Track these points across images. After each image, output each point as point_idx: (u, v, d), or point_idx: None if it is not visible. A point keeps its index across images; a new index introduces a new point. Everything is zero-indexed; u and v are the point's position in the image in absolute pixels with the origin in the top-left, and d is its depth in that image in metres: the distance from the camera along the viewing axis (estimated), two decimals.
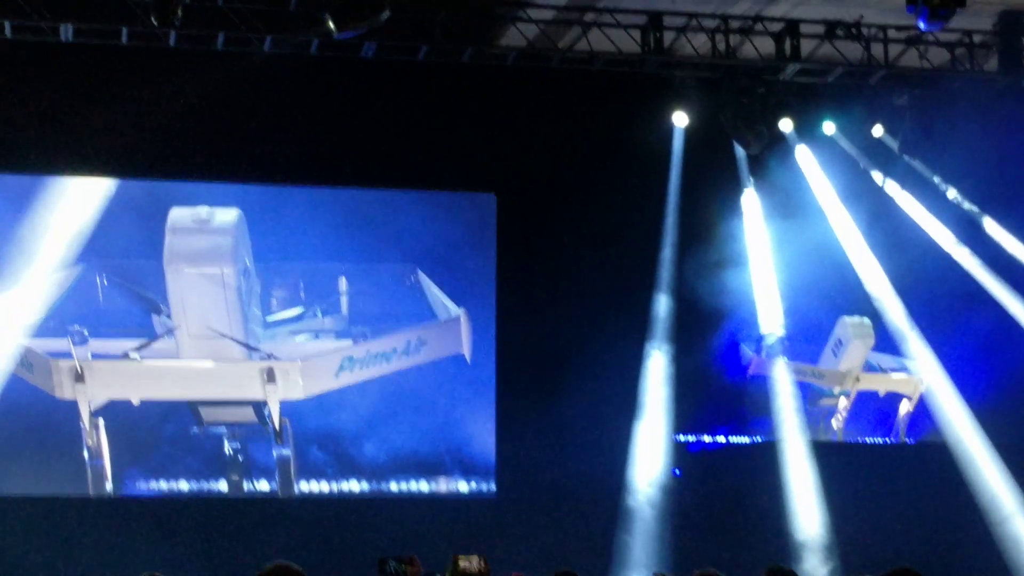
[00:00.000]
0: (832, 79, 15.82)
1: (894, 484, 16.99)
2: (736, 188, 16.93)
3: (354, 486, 15.93)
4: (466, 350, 16.21)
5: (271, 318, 15.88)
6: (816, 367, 17.67)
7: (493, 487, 16.26)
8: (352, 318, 16.12)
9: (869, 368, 17.74)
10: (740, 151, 16.52)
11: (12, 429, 15.01)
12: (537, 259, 16.42)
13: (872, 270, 17.14)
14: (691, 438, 17.07)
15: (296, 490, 15.76)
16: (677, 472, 16.70)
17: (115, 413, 15.23)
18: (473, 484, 16.22)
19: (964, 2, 13.16)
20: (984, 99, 15.90)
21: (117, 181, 15.38)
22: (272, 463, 15.69)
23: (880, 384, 17.83)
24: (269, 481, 15.73)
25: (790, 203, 16.70)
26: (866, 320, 17.55)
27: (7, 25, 13.48)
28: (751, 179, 16.88)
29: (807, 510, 16.68)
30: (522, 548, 15.16)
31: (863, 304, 17.39)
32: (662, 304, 16.72)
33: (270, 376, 15.39)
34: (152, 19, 12.76)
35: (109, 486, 15.26)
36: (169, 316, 15.34)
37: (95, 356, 15.15)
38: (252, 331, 15.55)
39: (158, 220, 15.23)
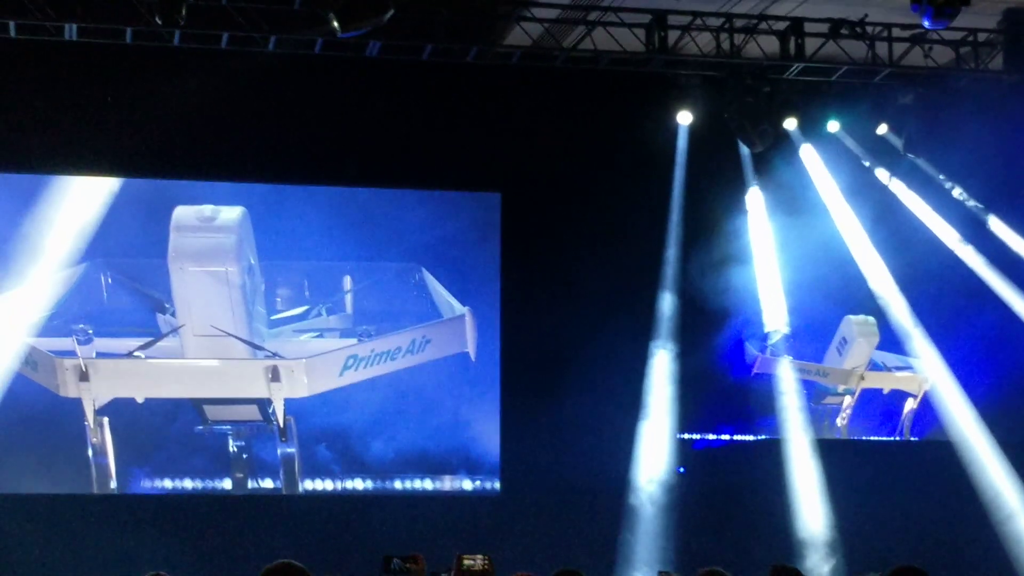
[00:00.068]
0: (836, 78, 15.80)
1: (899, 482, 16.99)
2: (740, 187, 16.92)
3: (358, 484, 15.94)
4: (471, 348, 16.21)
5: (275, 316, 15.89)
6: (821, 365, 17.66)
7: (497, 485, 16.26)
8: (356, 317, 16.12)
9: (874, 366, 17.72)
10: (745, 150, 16.50)
11: (17, 427, 15.01)
12: (542, 258, 16.42)
13: (877, 268, 17.14)
14: (695, 436, 17.07)
15: (300, 488, 15.78)
16: (681, 470, 16.71)
17: (120, 411, 15.24)
18: (478, 482, 16.23)
19: (968, 0, 13.18)
20: (989, 97, 15.90)
21: (121, 180, 15.38)
22: (276, 461, 15.70)
23: (884, 382, 17.82)
24: (273, 479, 15.74)
25: (795, 202, 16.70)
26: (871, 319, 17.54)
27: (11, 25, 13.48)
28: (756, 178, 16.88)
29: (811, 508, 16.68)
30: (526, 546, 15.20)
31: (868, 302, 17.39)
32: (667, 303, 16.72)
33: (274, 374, 15.40)
34: (156, 19, 12.77)
35: (113, 484, 15.28)
36: (174, 315, 15.35)
37: (100, 355, 15.16)
38: (256, 330, 15.56)
39: (162, 219, 15.22)
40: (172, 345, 15.39)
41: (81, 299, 15.31)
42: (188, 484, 15.52)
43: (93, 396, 15.05)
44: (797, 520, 16.59)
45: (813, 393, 17.55)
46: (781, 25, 15.24)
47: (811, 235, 16.74)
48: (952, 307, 17.10)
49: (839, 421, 17.71)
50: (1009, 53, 15.75)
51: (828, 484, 16.70)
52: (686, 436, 16.89)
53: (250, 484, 15.70)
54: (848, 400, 17.71)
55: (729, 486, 16.59)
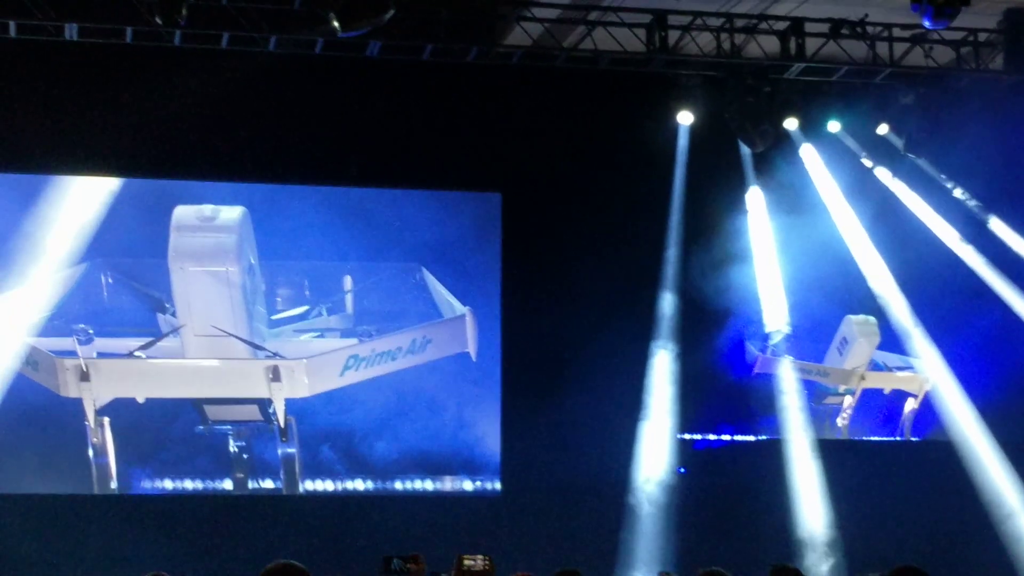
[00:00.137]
0: (837, 78, 15.80)
1: (899, 482, 16.99)
2: (741, 187, 16.93)
3: (359, 485, 15.94)
4: (471, 348, 16.21)
5: (276, 316, 15.90)
6: (821, 365, 17.66)
7: (498, 486, 16.26)
8: (357, 317, 16.13)
9: (874, 366, 17.73)
10: (745, 150, 16.50)
11: (18, 427, 15.02)
12: (542, 258, 16.42)
13: (877, 268, 17.15)
14: (696, 436, 17.07)
15: (301, 488, 15.78)
16: (682, 470, 16.70)
17: (120, 412, 15.24)
18: (478, 483, 16.23)
19: (968, 1, 13.18)
20: (989, 97, 15.90)
21: (121, 180, 15.38)
22: (277, 461, 15.70)
23: (885, 382, 17.82)
24: (274, 479, 15.74)
25: (795, 202, 16.71)
26: (871, 318, 17.54)
27: (12, 25, 13.49)
28: (756, 178, 16.88)
29: (812, 508, 16.69)
30: (527, 547, 15.20)
31: (868, 302, 17.39)
32: (667, 303, 16.73)
33: (275, 374, 15.40)
34: (156, 19, 12.76)
35: (114, 484, 15.28)
36: (174, 314, 15.36)
37: (100, 355, 15.17)
38: (257, 329, 15.56)
39: (163, 218, 15.23)
40: (172, 345, 15.39)
41: (82, 299, 15.32)
42: (188, 484, 15.52)
43: (94, 396, 15.06)
44: (797, 520, 16.60)
45: (814, 393, 17.56)
46: (781, 25, 15.24)
47: (812, 235, 16.75)
48: (952, 307, 17.09)
49: (840, 421, 17.72)
50: (1009, 53, 15.74)
51: (828, 484, 16.70)
52: (686, 436, 16.89)
53: (250, 484, 15.71)
54: (849, 400, 17.71)
55: (729, 486, 16.58)
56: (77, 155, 15.07)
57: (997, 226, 17.16)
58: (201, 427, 15.56)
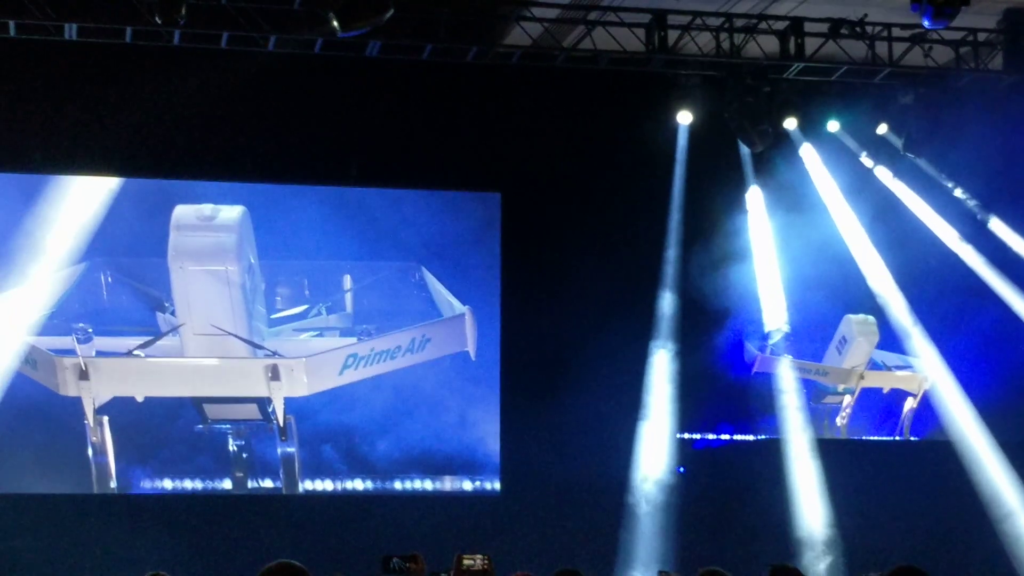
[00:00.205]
0: (836, 78, 15.81)
1: (898, 481, 16.99)
2: (740, 186, 16.92)
3: (358, 484, 15.95)
4: (471, 348, 16.22)
5: (275, 315, 15.90)
6: (820, 364, 17.67)
7: (497, 485, 16.27)
8: (356, 316, 16.13)
9: (873, 365, 17.74)
10: (745, 149, 16.50)
11: (17, 426, 15.02)
12: (542, 257, 16.43)
13: (876, 268, 17.15)
14: (695, 436, 17.07)
15: (300, 488, 15.78)
16: (681, 470, 16.71)
17: (120, 411, 15.25)
18: (478, 482, 16.23)
19: (968, 0, 13.19)
20: (989, 97, 15.90)
21: (121, 179, 15.38)
22: (276, 461, 15.70)
23: (884, 381, 17.83)
24: (273, 479, 15.75)
25: (795, 201, 16.70)
26: (870, 318, 17.55)
27: (11, 24, 13.48)
28: (756, 177, 16.88)
29: (811, 508, 16.68)
30: (526, 546, 15.20)
31: (867, 302, 17.40)
32: (667, 302, 16.74)
33: (274, 373, 15.41)
34: (156, 18, 12.76)
35: (113, 484, 15.28)
36: (173, 313, 15.36)
37: (99, 353, 15.17)
38: (256, 329, 15.56)
39: (162, 218, 15.23)
40: (172, 344, 15.40)
41: (81, 298, 15.32)
42: (188, 484, 15.52)
43: (93, 395, 15.06)
44: (797, 520, 16.60)
45: (813, 392, 17.57)
46: (781, 25, 15.24)
47: (811, 235, 16.75)
48: (952, 306, 17.12)
49: (839, 420, 17.72)
50: (1009, 53, 15.75)
51: (828, 484, 16.70)
52: (686, 436, 16.89)
53: (250, 484, 15.71)
54: (848, 399, 17.72)
55: (728, 486, 16.59)
56: (77, 155, 15.07)
57: (997, 226, 17.16)
58: (200, 426, 15.56)
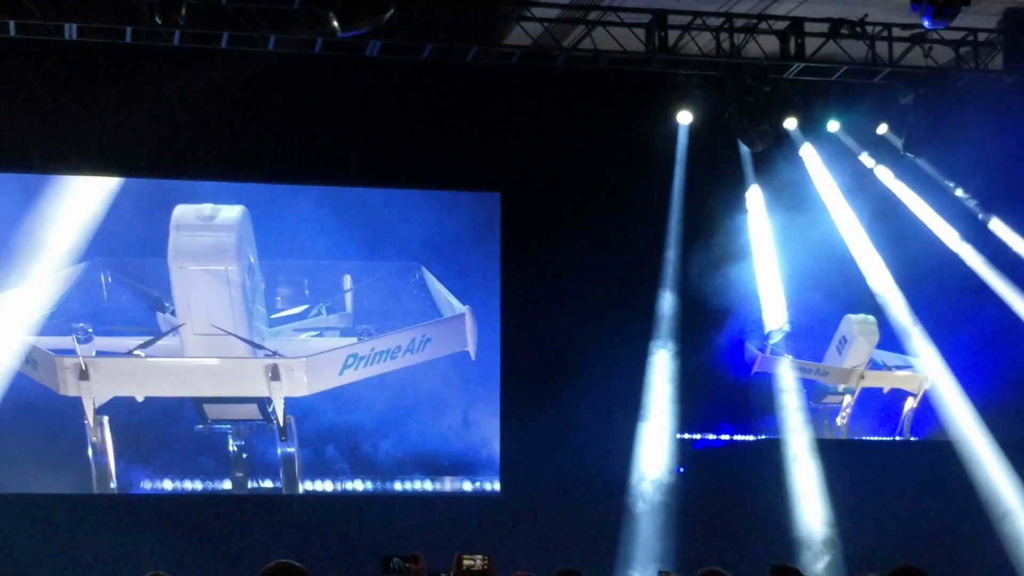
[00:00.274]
0: (836, 78, 15.80)
1: (898, 481, 16.99)
2: (740, 186, 16.92)
3: (358, 485, 15.95)
4: (471, 348, 16.22)
5: (275, 315, 15.90)
6: (820, 364, 17.66)
7: (497, 485, 16.27)
8: (357, 316, 16.13)
9: (873, 365, 17.73)
10: (745, 149, 16.48)
11: (17, 426, 15.02)
12: (542, 257, 16.43)
13: (877, 268, 17.15)
14: (695, 436, 17.07)
15: (300, 488, 15.78)
16: (681, 470, 16.71)
17: (120, 411, 15.25)
18: (478, 483, 16.23)
19: (968, 0, 13.19)
20: (989, 97, 15.89)
21: (121, 179, 15.38)
22: (276, 461, 15.70)
23: (884, 381, 17.82)
24: (273, 480, 15.75)
25: (795, 201, 16.70)
26: (871, 318, 17.55)
27: (11, 24, 13.48)
28: (756, 177, 16.88)
29: (811, 508, 16.68)
30: (526, 546, 15.19)
31: (868, 301, 17.40)
32: (667, 302, 16.73)
33: (274, 373, 15.40)
34: (156, 18, 12.75)
35: (113, 484, 15.28)
36: (173, 313, 15.35)
37: (99, 353, 15.17)
38: (256, 328, 15.56)
39: (162, 218, 15.23)
40: (172, 344, 15.39)
41: (81, 298, 15.32)
42: (188, 484, 15.52)
43: (93, 395, 15.06)
44: (797, 520, 16.60)
45: (813, 392, 17.56)
46: (781, 25, 15.24)
47: (811, 234, 16.75)
48: (952, 306, 17.10)
49: (839, 420, 17.72)
50: (1009, 53, 15.74)
51: (828, 484, 16.70)
52: (686, 436, 16.89)
53: (250, 484, 15.71)
54: (848, 399, 17.72)
55: (728, 486, 16.59)
56: (77, 155, 15.07)
57: (997, 226, 17.16)
58: (200, 426, 15.55)
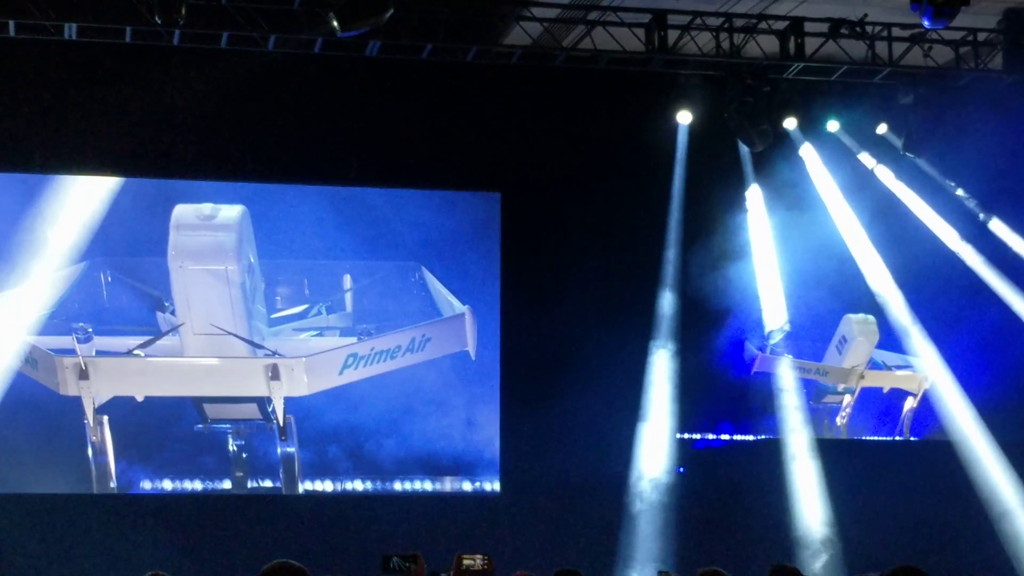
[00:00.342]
0: (836, 77, 15.81)
1: (898, 481, 16.97)
2: (740, 186, 16.92)
3: (358, 484, 15.95)
4: (471, 347, 16.22)
5: (275, 315, 15.90)
6: (820, 364, 17.66)
7: (497, 485, 16.26)
8: (357, 315, 16.13)
9: (873, 365, 17.73)
10: (744, 149, 16.50)
11: (17, 426, 15.02)
12: (542, 257, 16.43)
13: (877, 268, 17.15)
14: (695, 436, 17.07)
15: (300, 488, 15.78)
16: (681, 470, 16.70)
17: (120, 411, 15.25)
18: (477, 483, 16.23)
19: (968, 0, 13.19)
20: (989, 97, 15.88)
21: (122, 179, 15.38)
22: (276, 461, 15.70)
23: (884, 381, 17.82)
24: (273, 479, 15.75)
25: (795, 201, 16.70)
26: (870, 317, 17.55)
27: (11, 24, 13.49)
28: (755, 177, 16.88)
29: (811, 507, 16.68)
30: (526, 546, 15.22)
31: (867, 301, 17.39)
32: (667, 302, 16.73)
33: (274, 373, 15.40)
34: (156, 18, 12.76)
35: (113, 484, 15.28)
36: (173, 313, 15.35)
37: (99, 353, 15.17)
38: (256, 328, 15.56)
39: (162, 217, 15.23)
40: (172, 343, 15.39)
41: (81, 297, 15.33)
42: (188, 484, 15.52)
43: (93, 394, 15.06)
44: (797, 520, 16.60)
45: (813, 392, 17.56)
46: (781, 25, 15.24)
47: (811, 234, 16.75)
48: (952, 306, 17.11)
49: (839, 420, 17.72)
50: (1009, 53, 15.74)
51: (828, 483, 16.70)
52: (686, 436, 16.89)
53: (250, 484, 15.70)
54: (848, 399, 17.72)
55: (729, 486, 16.59)
56: (77, 155, 15.08)
57: (997, 226, 17.17)
58: (200, 426, 15.55)
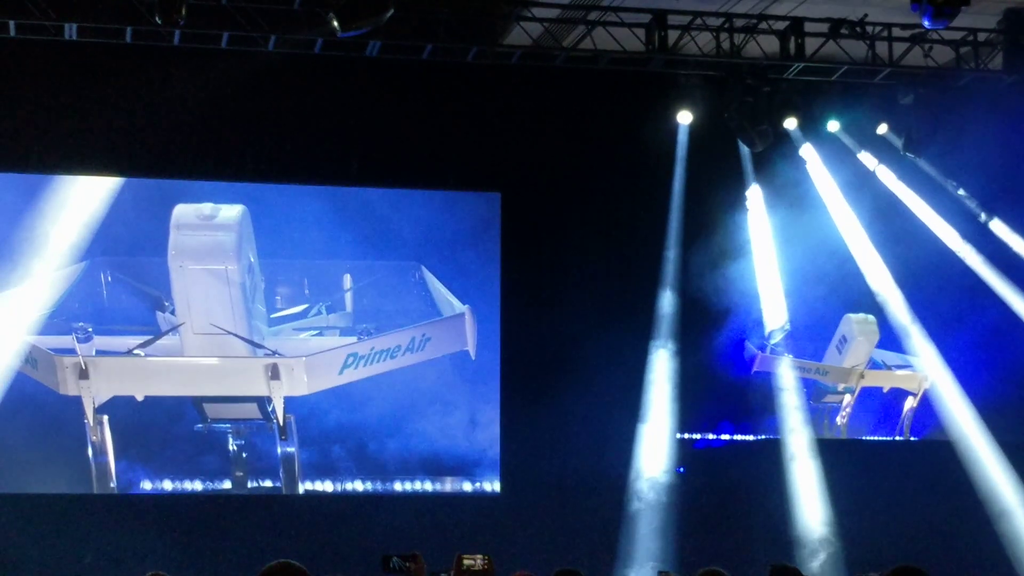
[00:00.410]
0: (836, 78, 15.81)
1: (898, 481, 16.99)
2: (740, 186, 16.92)
3: (358, 485, 15.95)
4: (471, 347, 16.22)
5: (275, 315, 15.90)
6: (820, 364, 17.66)
7: (497, 485, 16.26)
8: (356, 315, 16.13)
9: (873, 365, 17.73)
10: (745, 149, 16.51)
11: (17, 426, 15.02)
12: (542, 257, 16.44)
13: (877, 267, 17.15)
14: (695, 436, 17.07)
15: (300, 488, 15.78)
16: (681, 470, 16.70)
17: (120, 410, 15.25)
18: (477, 483, 16.23)
19: (968, 0, 13.19)
20: (989, 97, 15.89)
21: (122, 179, 15.38)
22: (277, 461, 15.70)
23: (884, 381, 17.82)
24: (273, 479, 15.75)
25: (795, 201, 16.70)
26: (870, 317, 17.55)
27: (11, 24, 13.49)
28: (756, 177, 16.88)
29: (811, 507, 16.68)
30: (526, 546, 15.21)
31: (867, 301, 17.40)
32: (667, 301, 16.74)
33: (274, 372, 15.41)
34: (156, 18, 12.77)
35: (113, 484, 15.28)
36: (173, 313, 15.36)
37: (99, 352, 15.18)
38: (256, 328, 15.56)
39: (163, 217, 15.23)
40: (172, 343, 15.40)
41: (81, 297, 15.33)
42: (188, 484, 15.52)
43: (93, 394, 15.06)
44: (797, 520, 16.60)
45: (813, 391, 17.56)
46: (781, 25, 15.24)
47: (811, 234, 16.76)
48: (952, 306, 17.11)
49: (839, 420, 17.72)
50: (1009, 53, 15.74)
51: (828, 483, 16.70)
52: (686, 436, 16.89)
53: (250, 484, 15.70)
54: (848, 399, 17.72)
55: (728, 485, 16.59)
56: (77, 155, 15.08)
57: (997, 225, 17.17)
58: (200, 425, 15.55)
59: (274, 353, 15.50)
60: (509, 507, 16.17)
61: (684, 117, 16.30)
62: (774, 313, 17.20)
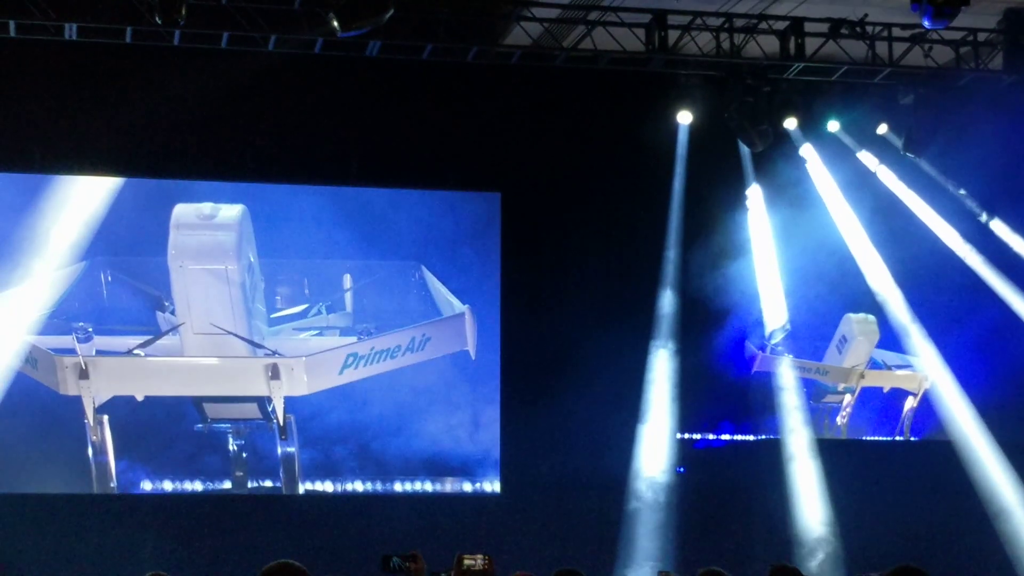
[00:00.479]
0: (836, 78, 15.79)
1: (898, 481, 16.98)
2: (741, 186, 16.92)
3: (358, 485, 15.95)
4: (471, 347, 16.22)
5: (275, 315, 15.90)
6: (820, 363, 17.66)
7: (497, 485, 16.26)
8: (356, 315, 16.13)
9: (874, 365, 17.73)
10: (745, 149, 16.50)
11: (17, 426, 15.02)
12: (542, 257, 16.45)
13: (877, 267, 17.15)
14: (696, 436, 17.07)
15: (301, 488, 15.78)
16: (681, 470, 16.70)
17: (120, 410, 15.25)
18: (478, 483, 16.23)
19: (968, 0, 13.19)
20: (989, 97, 15.88)
21: (122, 179, 15.38)
22: (277, 461, 15.70)
23: (884, 381, 17.82)
24: (273, 479, 15.75)
25: (795, 201, 16.70)
26: (871, 317, 17.55)
27: (11, 24, 13.48)
28: (756, 177, 16.88)
29: (811, 507, 16.68)
30: (526, 546, 15.21)
31: (867, 301, 17.40)
32: (667, 301, 16.73)
33: (274, 372, 15.41)
34: (156, 18, 12.76)
35: (113, 484, 15.28)
36: (173, 312, 15.36)
37: (99, 352, 15.17)
38: (256, 328, 15.57)
39: (162, 216, 15.23)
40: (172, 343, 15.40)
41: (81, 297, 15.33)
42: (188, 484, 15.52)
43: (93, 394, 15.06)
44: (797, 520, 16.60)
45: (813, 391, 17.56)
46: (781, 25, 15.23)
47: (811, 234, 16.76)
48: (952, 306, 17.14)
49: (839, 420, 17.72)
50: (1009, 53, 15.72)
51: (828, 483, 16.70)
52: (686, 436, 16.89)
53: (250, 484, 15.70)
54: (848, 398, 17.72)
55: (728, 485, 16.59)
56: (77, 155, 15.08)
57: (997, 225, 17.17)
58: (200, 425, 15.55)
59: (274, 353, 15.50)
60: (509, 507, 16.18)
61: (684, 117, 16.29)
62: (774, 313, 17.20)
